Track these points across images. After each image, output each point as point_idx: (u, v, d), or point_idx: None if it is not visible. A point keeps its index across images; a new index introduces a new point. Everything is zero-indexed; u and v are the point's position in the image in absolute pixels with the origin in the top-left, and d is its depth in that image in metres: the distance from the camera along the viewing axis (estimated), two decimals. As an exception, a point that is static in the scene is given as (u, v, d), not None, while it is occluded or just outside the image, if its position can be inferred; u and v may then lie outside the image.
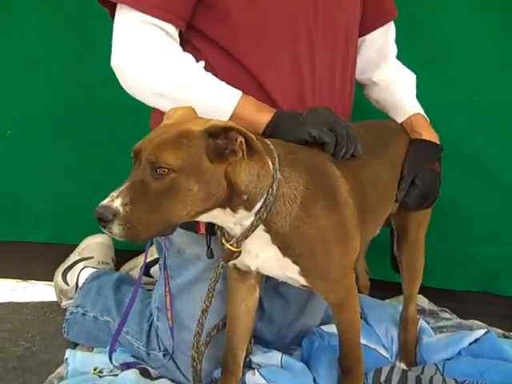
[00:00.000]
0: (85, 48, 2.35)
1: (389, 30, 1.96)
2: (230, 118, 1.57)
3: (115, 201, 1.25)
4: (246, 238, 1.44)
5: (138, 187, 1.27)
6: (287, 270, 1.51)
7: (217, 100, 1.59)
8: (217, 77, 1.62)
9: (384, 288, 2.26)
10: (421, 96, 2.00)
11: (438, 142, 1.84)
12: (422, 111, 1.89)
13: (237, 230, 1.45)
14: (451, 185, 2.16)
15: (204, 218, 1.41)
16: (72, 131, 2.41)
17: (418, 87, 2.00)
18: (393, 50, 1.98)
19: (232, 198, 1.36)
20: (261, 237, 1.45)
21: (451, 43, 2.13)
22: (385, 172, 1.70)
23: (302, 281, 1.53)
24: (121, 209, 1.24)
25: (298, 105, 1.69)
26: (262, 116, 1.58)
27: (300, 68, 1.70)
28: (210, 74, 1.61)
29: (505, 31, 2.11)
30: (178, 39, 1.65)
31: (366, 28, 1.92)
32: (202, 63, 1.62)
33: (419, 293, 2.08)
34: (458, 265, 2.31)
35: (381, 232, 1.98)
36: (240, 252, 1.49)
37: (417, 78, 2.00)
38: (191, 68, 1.60)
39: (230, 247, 1.47)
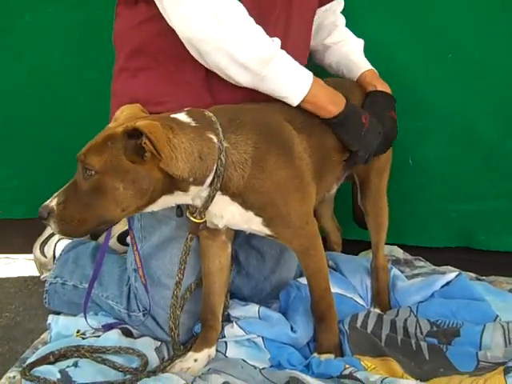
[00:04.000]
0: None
1: (339, 3, 2.03)
2: (301, 103, 1.63)
3: (53, 201, 1.41)
4: (206, 208, 1.52)
5: (73, 188, 1.41)
6: (252, 223, 1.58)
7: (292, 82, 1.62)
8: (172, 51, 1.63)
9: (357, 247, 2.31)
10: (396, 52, 2.09)
11: (390, 93, 1.90)
12: (373, 68, 1.95)
13: (197, 202, 1.52)
14: (427, 143, 2.24)
15: (155, 208, 1.49)
16: (43, 107, 2.40)
17: (393, 43, 2.07)
18: (341, 19, 2.04)
19: (177, 184, 1.43)
20: (221, 200, 1.52)
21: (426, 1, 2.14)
22: None
23: (266, 231, 1.60)
24: (55, 208, 1.40)
25: None
26: (332, 108, 1.66)
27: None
28: (286, 53, 1.62)
29: None
30: None
31: (320, 1, 1.96)
32: (279, 41, 1.63)
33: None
34: (435, 222, 2.35)
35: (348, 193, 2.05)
36: (205, 222, 1.56)
37: (392, 33, 2.07)
38: (276, 43, 1.62)
39: (194, 220, 1.54)
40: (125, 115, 1.49)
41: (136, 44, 1.73)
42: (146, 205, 1.44)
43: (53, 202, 1.40)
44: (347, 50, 1.97)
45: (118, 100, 1.71)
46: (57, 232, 1.43)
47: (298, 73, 1.64)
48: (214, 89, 1.69)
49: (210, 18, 1.53)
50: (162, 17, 1.60)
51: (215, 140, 1.46)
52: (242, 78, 1.60)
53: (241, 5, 1.57)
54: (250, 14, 1.59)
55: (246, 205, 1.54)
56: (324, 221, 2.19)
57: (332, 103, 1.67)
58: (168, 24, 1.60)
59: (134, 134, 1.36)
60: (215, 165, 1.45)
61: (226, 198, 1.52)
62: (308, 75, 1.64)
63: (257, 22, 1.59)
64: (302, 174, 1.60)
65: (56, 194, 1.42)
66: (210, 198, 1.49)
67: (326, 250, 1.98)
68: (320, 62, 2.04)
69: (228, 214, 1.56)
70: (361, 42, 2.01)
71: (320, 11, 1.99)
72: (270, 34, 1.62)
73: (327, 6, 2.00)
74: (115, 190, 1.38)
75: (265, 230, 1.60)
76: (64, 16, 2.27)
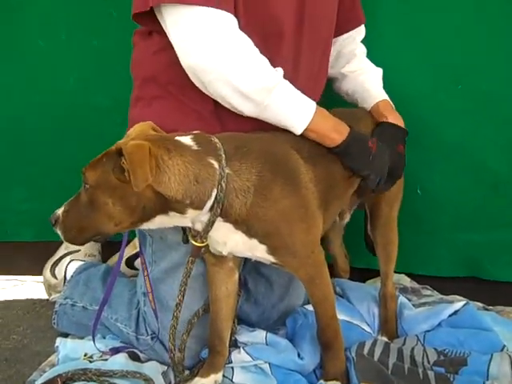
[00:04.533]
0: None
1: (358, 32, 2.05)
2: (304, 132, 1.65)
3: (61, 209, 1.50)
4: (207, 232, 1.53)
5: (77, 199, 1.49)
6: (256, 251, 1.59)
7: (295, 111, 1.64)
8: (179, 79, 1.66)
9: (365, 276, 2.32)
10: (406, 84, 2.09)
11: (402, 126, 1.91)
12: (388, 98, 1.97)
13: (198, 226, 1.53)
14: (435, 173, 2.25)
15: (152, 226, 1.51)
16: (56, 132, 2.43)
17: (403, 75, 2.08)
18: (361, 48, 2.06)
19: (171, 204, 1.45)
20: (223, 227, 1.53)
21: (436, 31, 2.16)
22: None
23: (271, 259, 1.61)
24: (61, 216, 1.49)
25: None
26: (336, 136, 1.68)
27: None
28: (289, 83, 1.65)
29: (491, 19, 2.13)
30: None
31: (338, 30, 1.98)
32: (281, 70, 1.65)
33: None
34: (443, 251, 2.36)
35: (360, 219, 2.05)
36: (207, 246, 1.58)
37: (402, 65, 2.09)
38: (278, 72, 1.64)
39: (195, 243, 1.56)
40: (135, 131, 1.52)
41: (149, 73, 1.77)
42: (139, 221, 1.47)
43: (60, 210, 1.49)
44: (363, 79, 1.99)
45: None
46: (63, 239, 1.51)
47: (301, 102, 1.65)
48: (222, 118, 1.71)
49: (211, 49, 1.56)
50: (173, 47, 1.64)
51: (216, 166, 1.47)
52: (245, 108, 1.62)
53: (244, 35, 1.59)
54: (257, 45, 1.61)
55: (249, 233, 1.54)
56: (333, 248, 2.20)
57: (335, 132, 1.68)
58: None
59: (121, 152, 1.39)
60: (215, 190, 1.47)
61: (229, 226, 1.53)
62: (311, 104, 1.66)
63: (264, 54, 1.62)
64: (308, 203, 1.61)
65: (66, 203, 1.50)
66: (210, 223, 1.50)
67: (334, 277, 2.00)
68: (337, 90, 2.07)
69: (231, 241, 1.57)
70: (379, 72, 2.02)
71: (340, 39, 2.02)
72: (279, 64, 1.65)
73: (347, 35, 2.02)
74: (105, 204, 1.43)
75: (270, 258, 1.61)
76: (77, 42, 2.31)
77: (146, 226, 1.50)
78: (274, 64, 1.64)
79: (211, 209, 1.48)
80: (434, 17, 2.15)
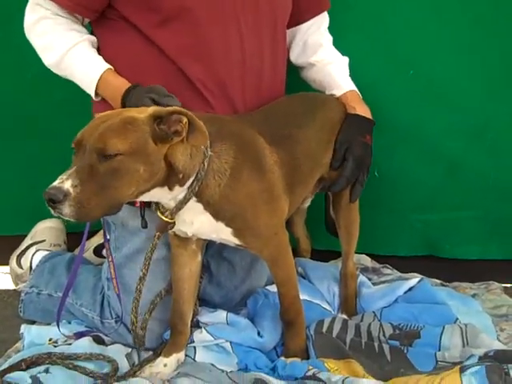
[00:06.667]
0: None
1: (322, 20, 2.08)
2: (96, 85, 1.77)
3: (65, 182, 1.34)
4: (179, 209, 1.57)
5: (87, 170, 1.38)
6: (221, 233, 1.64)
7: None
8: (133, 61, 1.76)
9: (326, 257, 2.37)
10: (359, 70, 2.11)
11: (370, 117, 1.98)
12: (355, 89, 2.02)
13: (171, 204, 1.57)
14: (392, 156, 2.30)
15: (145, 198, 1.53)
16: (12, 123, 2.42)
17: (357, 62, 2.10)
18: (327, 37, 2.10)
19: (170, 177, 1.49)
20: (193, 206, 1.57)
21: (386, 17, 2.20)
22: (313, 142, 1.83)
23: (236, 241, 1.66)
24: (71, 190, 1.34)
25: (225, 86, 1.81)
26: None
27: (229, 51, 1.80)
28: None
29: (443, 7, 2.18)
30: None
31: (300, 17, 2.03)
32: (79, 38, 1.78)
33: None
34: (401, 232, 2.42)
35: (320, 202, 2.11)
36: (174, 223, 1.61)
37: (356, 53, 2.11)
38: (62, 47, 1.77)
39: (164, 219, 1.59)
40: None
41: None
42: (145, 191, 1.47)
43: (66, 184, 1.34)
44: (330, 68, 2.04)
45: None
46: (69, 216, 1.36)
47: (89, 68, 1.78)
48: None
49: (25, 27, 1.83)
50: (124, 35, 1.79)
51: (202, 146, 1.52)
52: (60, 75, 1.82)
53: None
54: (175, 22, 1.72)
55: (217, 215, 1.59)
56: (296, 229, 2.25)
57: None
58: None
59: (160, 117, 1.42)
60: (198, 169, 1.51)
61: (199, 206, 1.58)
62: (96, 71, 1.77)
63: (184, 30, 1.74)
64: (273, 186, 1.66)
65: (64, 176, 1.36)
66: (184, 200, 1.54)
67: (296, 257, 2.06)
68: (305, 78, 2.11)
69: (198, 222, 1.61)
70: (345, 61, 2.07)
71: (304, 28, 2.05)
72: (202, 41, 1.75)
73: (310, 22, 2.05)
74: (135, 171, 1.40)
75: (234, 240, 1.66)
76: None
77: (143, 197, 1.50)
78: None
79: (190, 186, 1.53)
80: (387, 4, 2.19)
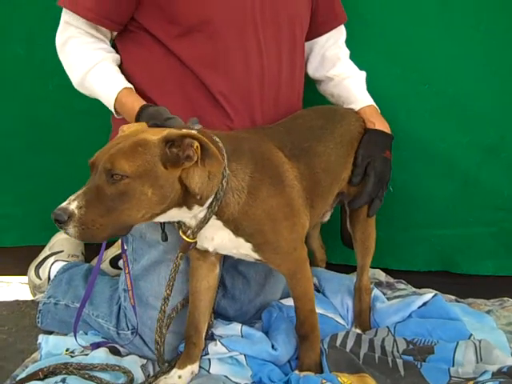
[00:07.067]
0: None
1: (339, 33, 2.11)
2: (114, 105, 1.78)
3: (71, 204, 1.37)
4: (200, 229, 1.59)
5: (94, 192, 1.40)
6: (241, 248, 1.66)
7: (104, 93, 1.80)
8: (153, 73, 1.79)
9: (342, 271, 2.35)
10: (375, 85, 2.13)
11: (389, 132, 1.99)
12: (373, 103, 2.04)
13: (192, 223, 1.59)
14: (408, 172, 2.31)
15: (162, 219, 1.55)
16: (33, 135, 2.45)
17: (372, 77, 2.12)
18: (344, 51, 2.12)
19: (187, 198, 1.50)
20: (214, 223, 1.59)
21: (402, 33, 2.22)
22: (333, 155, 1.84)
23: (256, 256, 1.68)
24: (76, 211, 1.37)
25: (244, 98, 1.84)
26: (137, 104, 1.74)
27: (249, 63, 1.83)
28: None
29: (455, 20, 2.20)
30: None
31: (317, 30, 2.06)
32: (104, 56, 1.81)
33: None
34: (416, 247, 2.43)
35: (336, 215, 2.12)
36: (196, 242, 1.63)
37: (371, 68, 2.13)
38: (86, 66, 1.79)
39: (186, 239, 1.61)
40: (131, 129, 1.53)
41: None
42: (160, 213, 1.48)
43: (72, 206, 1.37)
44: (348, 83, 2.05)
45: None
46: (74, 237, 1.38)
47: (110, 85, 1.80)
48: None
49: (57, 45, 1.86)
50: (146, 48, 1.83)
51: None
52: (86, 94, 1.85)
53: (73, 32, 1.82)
54: (196, 33, 1.76)
55: (237, 231, 1.61)
56: (311, 241, 2.27)
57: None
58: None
59: (171, 140, 1.43)
60: (217, 188, 1.53)
61: (219, 223, 1.60)
62: (115, 89, 1.78)
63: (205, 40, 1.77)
64: (293, 201, 1.67)
65: (72, 197, 1.39)
66: (205, 220, 1.56)
67: (311, 266, 2.07)
68: (323, 92, 2.14)
69: (218, 238, 1.64)
70: (363, 75, 2.08)
71: (321, 41, 2.08)
72: (221, 51, 1.78)
73: (327, 36, 2.08)
74: (142, 194, 1.40)
75: (254, 255, 1.68)
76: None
77: (160, 218, 1.51)
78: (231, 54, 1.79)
79: (209, 206, 1.54)
80: (402, 20, 2.22)
